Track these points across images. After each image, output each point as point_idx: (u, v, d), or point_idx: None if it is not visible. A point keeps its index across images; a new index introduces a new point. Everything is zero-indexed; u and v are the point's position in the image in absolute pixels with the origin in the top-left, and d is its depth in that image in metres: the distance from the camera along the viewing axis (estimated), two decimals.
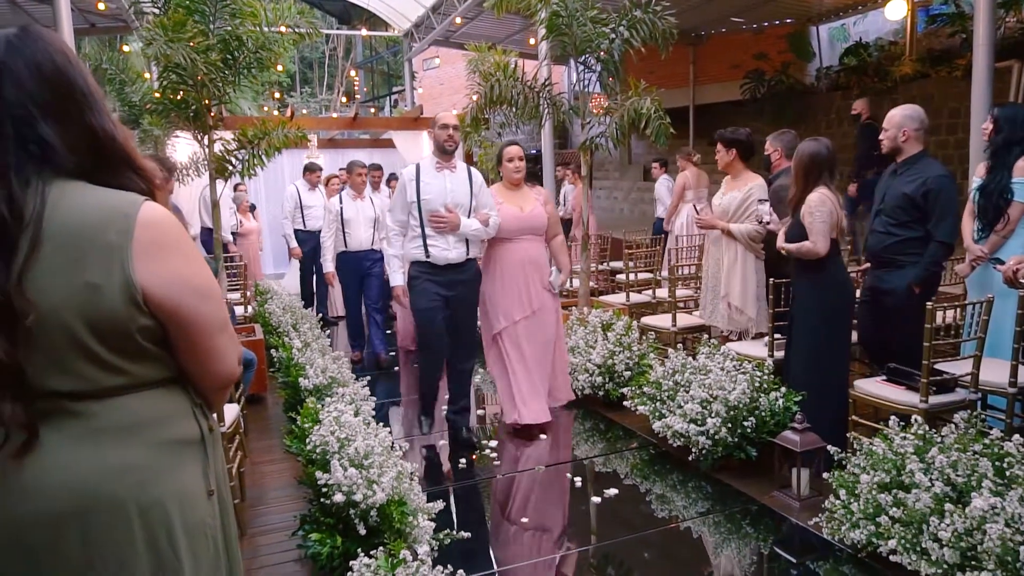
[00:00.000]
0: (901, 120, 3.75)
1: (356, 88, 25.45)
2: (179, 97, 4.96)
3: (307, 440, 2.94)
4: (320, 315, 7.27)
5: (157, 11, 4.77)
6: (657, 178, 9.97)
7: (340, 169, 7.98)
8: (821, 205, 3.56)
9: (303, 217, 7.76)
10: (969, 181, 4.23)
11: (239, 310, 6.21)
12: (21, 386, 1.18)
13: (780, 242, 3.79)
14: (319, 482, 2.63)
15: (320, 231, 7.74)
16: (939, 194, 3.54)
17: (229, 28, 4.81)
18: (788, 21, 13.01)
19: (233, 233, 8.38)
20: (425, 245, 4.13)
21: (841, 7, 12.49)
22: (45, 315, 1.16)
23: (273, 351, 5.02)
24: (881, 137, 3.86)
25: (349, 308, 6.43)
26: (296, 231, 7.73)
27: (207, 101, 4.95)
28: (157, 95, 5.01)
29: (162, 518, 1.27)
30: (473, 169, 4.33)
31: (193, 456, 1.35)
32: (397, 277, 4.28)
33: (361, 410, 3.38)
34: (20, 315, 1.15)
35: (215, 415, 1.47)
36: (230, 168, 5.17)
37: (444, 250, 4.14)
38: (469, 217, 4.19)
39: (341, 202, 6.08)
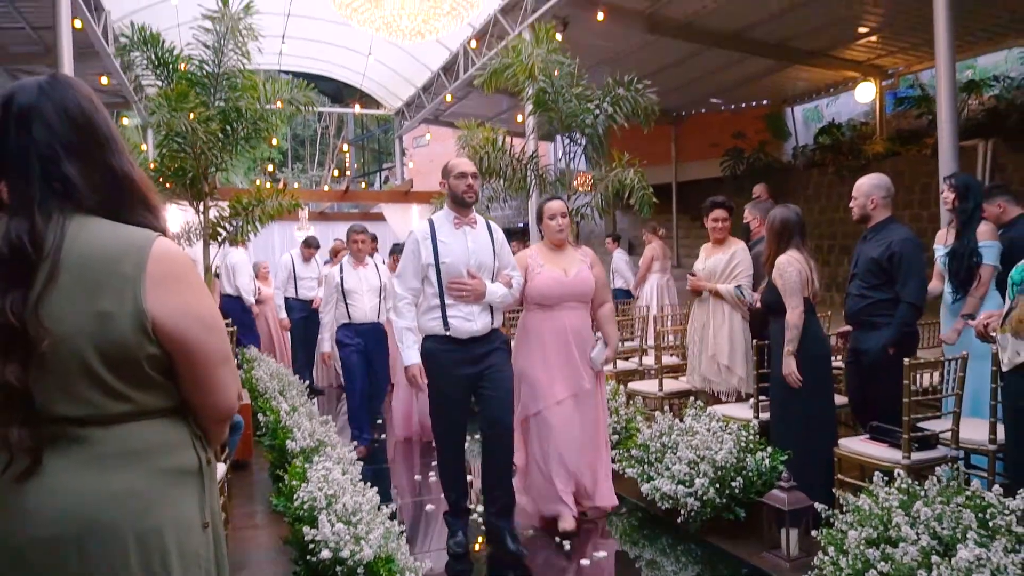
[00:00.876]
0: (869, 189, 3.95)
1: (347, 164, 26.00)
2: (176, 166, 5.12)
3: (295, 497, 2.92)
4: (307, 383, 7.25)
5: (160, 84, 4.97)
6: (612, 252, 10.47)
7: (336, 239, 8.08)
8: (788, 266, 3.71)
9: (295, 286, 7.76)
10: (933, 248, 4.40)
11: None
12: (30, 411, 1.22)
13: (757, 301, 3.94)
14: (306, 538, 2.61)
15: (312, 300, 7.74)
16: (903, 257, 3.68)
17: (229, 100, 5.01)
18: (764, 102, 13.61)
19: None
20: (444, 316, 3.46)
21: (814, 90, 13.12)
22: (58, 342, 1.21)
23: (260, 415, 4.99)
24: (851, 205, 4.06)
25: (353, 392, 5.55)
26: (287, 299, 7.74)
27: (204, 169, 5.11)
28: (153, 165, 5.16)
29: (158, 544, 1.29)
30: (492, 223, 3.74)
31: (191, 486, 1.38)
32: (411, 354, 3.50)
33: (348, 471, 3.36)
34: (35, 342, 1.20)
35: (213, 450, 1.50)
36: (222, 234, 5.27)
37: (467, 321, 3.48)
38: (493, 281, 3.59)
39: (341, 271, 5.47)
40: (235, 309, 8.14)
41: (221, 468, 3.42)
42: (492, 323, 3.60)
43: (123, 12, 8.83)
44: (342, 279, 5.45)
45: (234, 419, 4.30)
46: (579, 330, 3.88)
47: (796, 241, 3.82)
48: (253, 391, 5.74)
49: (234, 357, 7.57)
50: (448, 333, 3.47)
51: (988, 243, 3.95)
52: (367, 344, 5.44)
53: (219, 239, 5.32)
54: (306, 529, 2.62)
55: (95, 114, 1.38)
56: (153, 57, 5.14)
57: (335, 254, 7.81)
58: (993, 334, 2.78)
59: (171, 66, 5.06)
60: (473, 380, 3.53)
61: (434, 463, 4.41)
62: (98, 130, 1.37)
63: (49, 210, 1.28)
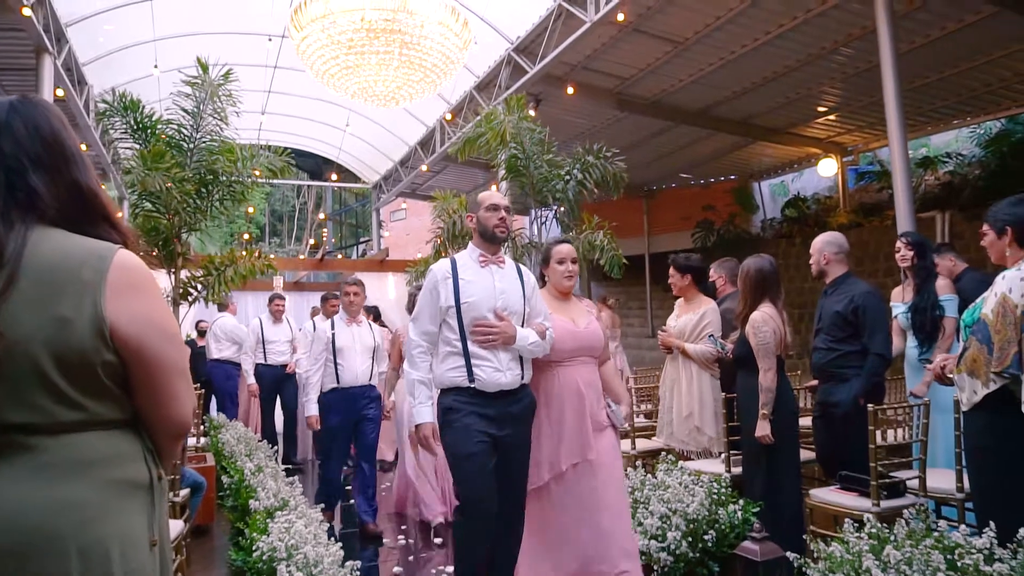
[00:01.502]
0: (821, 246, 4.10)
1: (324, 237, 26.19)
2: (150, 226, 5.14)
3: (254, 549, 2.82)
4: (284, 453, 7.05)
5: (138, 146, 5.05)
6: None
7: (313, 307, 8.01)
8: (764, 325, 3.74)
9: (264, 352, 7.68)
10: (891, 306, 4.53)
11: (191, 440, 6.02)
12: None
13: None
14: None
15: (284, 365, 7.63)
16: (867, 310, 3.77)
17: (205, 163, 5.09)
18: (732, 177, 14.10)
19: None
20: (468, 366, 2.99)
21: (779, 165, 13.63)
22: (12, 346, 1.21)
23: (224, 477, 4.84)
24: (810, 263, 4.20)
25: (331, 459, 5.03)
26: (257, 365, 7.62)
27: (178, 230, 5.13)
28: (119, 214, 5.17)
29: (102, 559, 1.25)
30: (521, 265, 3.32)
31: (140, 501, 1.35)
32: (424, 411, 3.03)
33: (312, 526, 3.26)
34: None
35: (165, 468, 1.47)
36: (194, 294, 5.25)
37: (496, 371, 3.00)
38: (523, 327, 3.13)
39: (333, 327, 4.99)
40: (219, 375, 8.00)
41: (178, 526, 3.31)
42: (523, 377, 3.09)
43: (105, 87, 9.05)
44: (333, 336, 4.96)
45: (196, 480, 4.21)
46: (594, 385, 3.36)
47: (772, 293, 3.86)
48: (219, 454, 5.59)
49: (207, 422, 7.38)
50: (472, 385, 2.98)
51: (948, 296, 4.10)
52: (356, 409, 4.94)
53: (190, 300, 5.28)
54: None
55: (63, 132, 1.43)
56: (133, 122, 5.23)
57: (325, 302, 7.28)
58: (951, 375, 2.84)
59: (150, 131, 5.15)
60: (496, 442, 3.01)
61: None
62: (65, 147, 1.41)
63: (11, 219, 1.30)
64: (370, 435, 5.05)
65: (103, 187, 1.47)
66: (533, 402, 3.18)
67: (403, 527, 5.13)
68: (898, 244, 4.43)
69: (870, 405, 3.32)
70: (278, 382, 7.67)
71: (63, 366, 1.24)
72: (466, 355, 3.02)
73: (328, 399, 4.92)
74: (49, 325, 1.23)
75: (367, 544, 4.77)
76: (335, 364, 4.90)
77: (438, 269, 3.11)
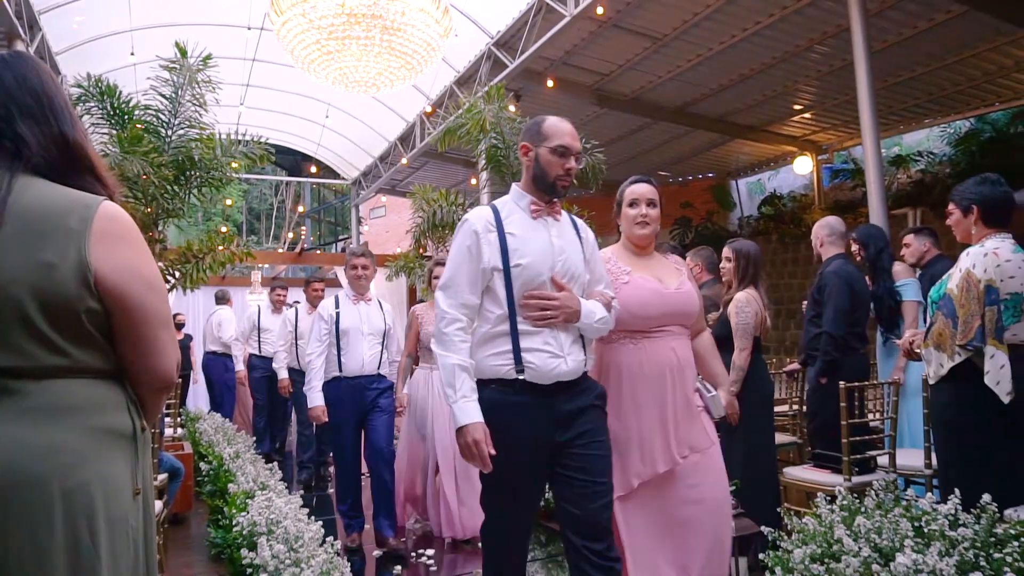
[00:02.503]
0: (816, 230, 4.17)
1: (303, 232, 26.03)
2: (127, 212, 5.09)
3: (234, 524, 2.82)
4: (277, 446, 6.99)
5: (114, 132, 5.00)
6: None
7: (294, 301, 7.78)
8: (747, 305, 3.81)
9: (259, 340, 7.24)
10: None
11: (168, 431, 5.98)
12: None
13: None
14: (243, 561, 2.51)
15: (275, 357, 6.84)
16: (826, 287, 3.84)
17: (184, 149, 5.05)
18: (710, 175, 14.24)
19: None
20: (517, 350, 2.24)
21: (756, 163, 13.79)
22: None
23: (203, 463, 4.82)
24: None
25: (342, 461, 4.29)
26: (250, 356, 7.33)
27: (155, 217, 5.08)
28: None
29: (85, 503, 1.25)
30: (578, 220, 2.53)
31: (123, 450, 1.36)
32: (469, 409, 2.16)
33: (291, 504, 3.26)
34: None
35: (148, 422, 1.48)
36: (171, 282, 5.21)
37: (553, 357, 2.24)
38: (583, 297, 2.36)
39: (338, 305, 4.32)
40: (217, 367, 7.97)
41: (156, 505, 3.29)
42: (585, 364, 2.34)
43: (80, 76, 8.93)
44: (337, 315, 4.26)
45: (174, 465, 4.18)
46: (685, 367, 2.62)
47: (758, 276, 3.95)
48: (196, 443, 5.56)
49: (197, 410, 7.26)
50: (522, 377, 2.20)
51: (905, 281, 4.21)
52: (362, 401, 4.24)
53: (167, 287, 5.24)
54: (244, 552, 2.52)
55: (52, 85, 1.44)
56: (110, 108, 5.17)
57: (306, 286, 7.08)
58: (918, 351, 2.92)
59: (127, 116, 5.10)
60: (555, 453, 2.23)
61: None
62: (53, 100, 1.42)
63: None
64: (383, 430, 4.23)
65: (90, 142, 1.49)
66: (603, 392, 2.39)
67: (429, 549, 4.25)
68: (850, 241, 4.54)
69: (840, 383, 3.38)
70: (272, 375, 6.95)
71: (47, 311, 1.25)
72: (514, 335, 2.23)
73: (329, 390, 4.23)
74: (34, 270, 1.24)
75: (389, 567, 3.92)
76: (338, 348, 4.23)
77: (477, 219, 2.29)
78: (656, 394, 2.54)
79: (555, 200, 2.39)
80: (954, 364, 2.63)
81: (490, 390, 2.23)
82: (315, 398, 4.21)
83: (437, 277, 4.13)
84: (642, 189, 2.68)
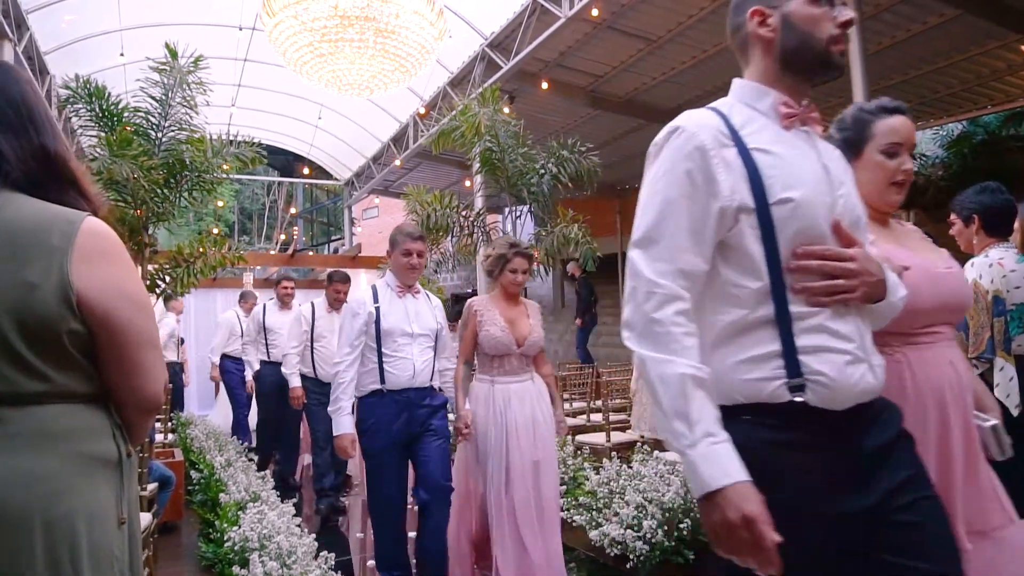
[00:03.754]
0: None
1: (295, 232, 25.94)
2: (116, 217, 5.01)
3: (225, 539, 2.76)
4: (275, 469, 6.00)
5: (103, 134, 4.92)
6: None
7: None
8: None
9: (266, 343, 6.32)
10: None
11: (158, 437, 5.91)
12: None
13: None
14: None
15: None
16: None
17: (174, 152, 4.97)
18: None
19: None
20: (790, 351, 1.30)
21: None
22: None
23: (194, 472, 4.74)
24: None
25: (381, 506, 3.24)
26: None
27: (145, 220, 5.00)
28: None
29: (68, 535, 1.20)
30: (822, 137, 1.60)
31: (108, 478, 1.30)
32: (722, 459, 1.19)
33: (284, 516, 3.21)
34: None
35: (134, 445, 1.43)
36: (161, 286, 5.14)
37: (853, 363, 1.32)
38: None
39: (377, 299, 3.35)
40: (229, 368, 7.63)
41: (145, 519, 3.22)
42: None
43: (69, 77, 8.83)
44: (377, 311, 3.28)
45: (164, 474, 4.11)
46: (971, 385, 1.83)
47: None
48: (187, 449, 5.48)
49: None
50: (804, 399, 1.29)
51: None
52: (411, 422, 3.27)
53: (158, 292, 5.16)
54: (236, 569, 2.47)
55: (31, 96, 1.38)
56: (98, 110, 5.09)
57: (277, 284, 6.80)
58: None
59: (116, 118, 5.02)
60: (865, 528, 1.31)
61: None
62: (33, 111, 1.37)
63: None
64: (437, 460, 3.24)
65: (72, 155, 1.43)
66: (901, 411, 1.45)
67: None
68: None
69: None
70: (284, 383, 5.70)
71: (27, 334, 1.19)
72: (784, 326, 1.30)
73: (365, 407, 3.27)
74: (14, 290, 1.19)
75: None
76: (378, 354, 3.22)
77: (698, 125, 1.40)
78: (934, 435, 1.66)
79: (810, 98, 1.49)
80: None
81: (744, 426, 1.28)
82: (344, 423, 3.21)
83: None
84: (908, 127, 1.95)
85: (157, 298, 5.31)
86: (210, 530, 3.24)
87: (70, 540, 1.20)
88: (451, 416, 3.56)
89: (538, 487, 3.42)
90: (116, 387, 1.32)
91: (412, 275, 3.46)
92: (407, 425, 3.26)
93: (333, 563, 2.97)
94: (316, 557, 2.92)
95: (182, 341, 9.24)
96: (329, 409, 3.27)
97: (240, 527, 2.81)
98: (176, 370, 8.03)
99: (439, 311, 3.55)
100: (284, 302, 6.49)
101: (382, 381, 3.24)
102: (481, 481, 3.52)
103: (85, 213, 1.30)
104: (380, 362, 3.23)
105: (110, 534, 1.28)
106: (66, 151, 1.39)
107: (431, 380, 3.39)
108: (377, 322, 3.27)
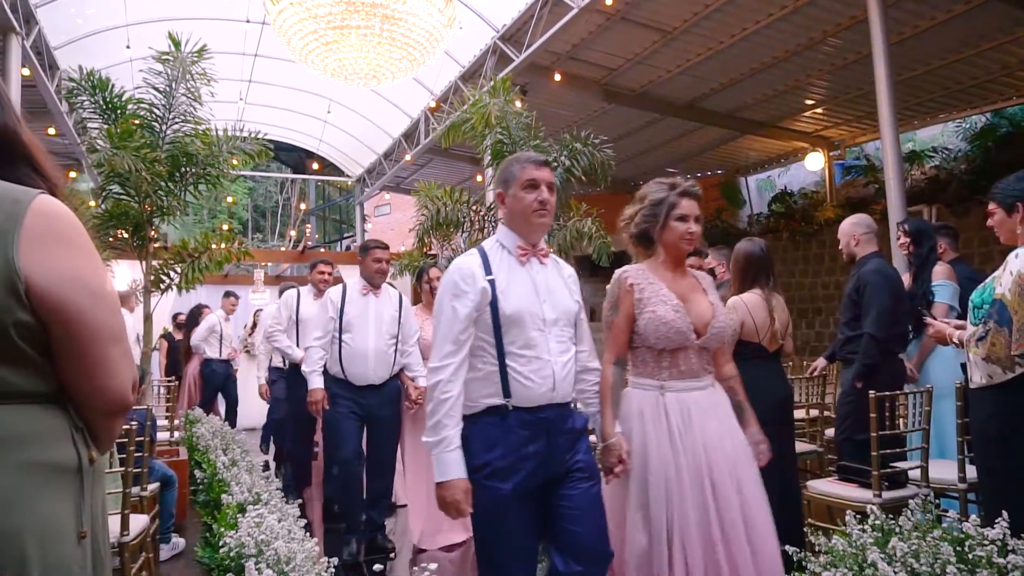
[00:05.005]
0: (849, 228, 3.90)
1: (308, 229, 25.92)
2: (120, 211, 4.91)
3: (221, 544, 2.63)
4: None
5: (107, 125, 4.84)
6: None
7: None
8: (732, 311, 3.48)
9: (297, 336, 5.37)
10: None
11: (163, 435, 5.80)
12: None
13: None
14: None
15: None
16: (867, 287, 3.61)
17: (178, 144, 4.88)
18: (719, 172, 14.01)
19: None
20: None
21: (766, 160, 13.56)
22: None
23: (198, 471, 4.64)
24: (840, 247, 3.99)
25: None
26: (272, 368, 5.90)
27: (149, 214, 4.91)
28: (91, 205, 4.96)
29: (14, 555, 1.06)
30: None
31: (65, 487, 1.16)
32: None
33: (285, 520, 3.08)
34: None
35: (100, 450, 1.29)
36: (166, 281, 5.05)
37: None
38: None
39: (489, 271, 2.30)
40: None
41: (143, 521, 3.11)
42: None
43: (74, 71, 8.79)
44: (493, 285, 2.18)
45: (165, 473, 4.00)
46: None
47: (761, 279, 3.66)
48: (192, 448, 5.38)
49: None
50: None
51: (942, 282, 3.96)
52: (546, 464, 2.15)
53: (162, 287, 5.07)
54: None
55: None
56: (102, 102, 5.01)
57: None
58: (956, 342, 2.72)
59: (119, 110, 4.94)
60: None
61: None
62: None
63: None
64: (591, 512, 2.19)
65: (27, 129, 1.29)
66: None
67: None
68: (897, 232, 4.30)
69: (871, 392, 3.17)
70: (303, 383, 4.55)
71: None
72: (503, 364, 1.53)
73: (483, 434, 2.16)
74: None
75: None
76: (499, 353, 2.20)
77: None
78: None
79: None
80: (1012, 375, 2.41)
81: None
82: (452, 463, 2.07)
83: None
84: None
85: (162, 293, 5.21)
86: (208, 534, 3.13)
87: (17, 561, 1.06)
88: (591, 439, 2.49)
89: (749, 557, 2.26)
90: (75, 386, 1.19)
91: (543, 223, 2.28)
92: (546, 463, 2.15)
93: (334, 569, 2.84)
94: (316, 562, 2.79)
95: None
96: (427, 440, 2.11)
97: (237, 531, 2.69)
98: (214, 367, 7.26)
99: (574, 283, 2.40)
100: (320, 289, 5.36)
101: (506, 394, 2.14)
102: (644, 537, 2.27)
103: (37, 191, 1.17)
104: (502, 365, 2.15)
105: (67, 550, 1.14)
106: (16, 124, 1.25)
107: (572, 391, 2.32)
108: (494, 303, 2.17)
